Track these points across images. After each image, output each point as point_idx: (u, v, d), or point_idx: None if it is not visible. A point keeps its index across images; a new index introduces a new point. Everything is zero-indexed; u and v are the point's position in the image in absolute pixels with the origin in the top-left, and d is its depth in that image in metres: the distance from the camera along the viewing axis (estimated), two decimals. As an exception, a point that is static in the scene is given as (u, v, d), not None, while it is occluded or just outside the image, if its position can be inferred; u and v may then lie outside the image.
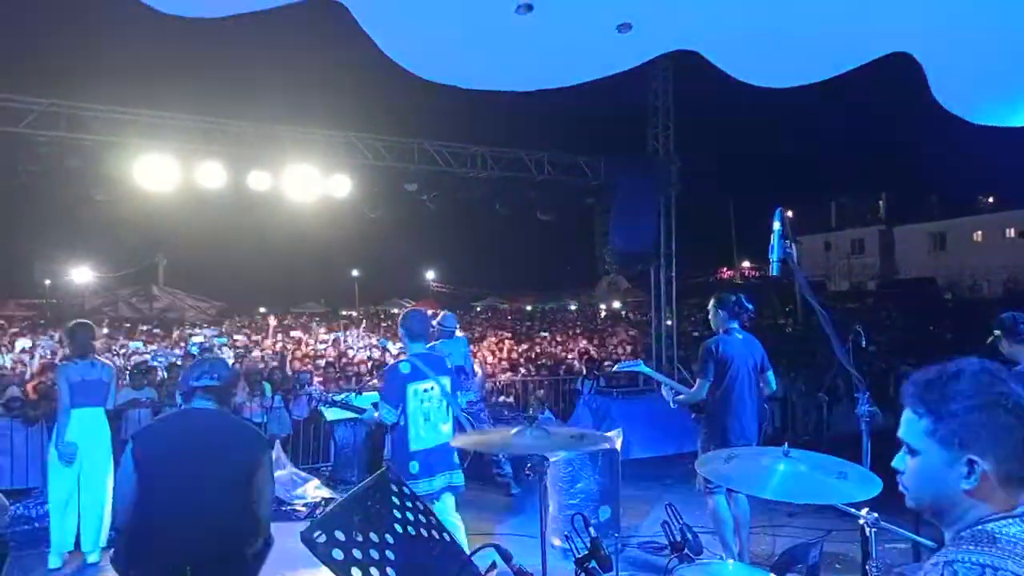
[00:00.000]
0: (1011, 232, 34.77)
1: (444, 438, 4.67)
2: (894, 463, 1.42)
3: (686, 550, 3.06)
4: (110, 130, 9.05)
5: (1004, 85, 4.32)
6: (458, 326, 7.58)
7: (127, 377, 8.91)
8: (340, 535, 1.57)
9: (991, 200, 39.49)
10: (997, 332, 4.58)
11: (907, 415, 1.39)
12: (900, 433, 1.40)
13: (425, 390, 4.66)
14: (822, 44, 4.15)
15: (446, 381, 4.77)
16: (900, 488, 1.42)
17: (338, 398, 5.53)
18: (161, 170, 9.08)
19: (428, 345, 5.23)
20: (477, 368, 8.67)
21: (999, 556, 1.21)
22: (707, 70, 4.41)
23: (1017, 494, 1.30)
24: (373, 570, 1.56)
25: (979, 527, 1.28)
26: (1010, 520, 1.27)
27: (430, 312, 6.88)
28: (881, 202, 42.58)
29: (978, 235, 38.27)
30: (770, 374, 5.32)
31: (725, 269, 41.50)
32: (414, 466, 4.56)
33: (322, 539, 1.54)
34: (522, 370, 13.33)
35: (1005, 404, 1.29)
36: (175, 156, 9.15)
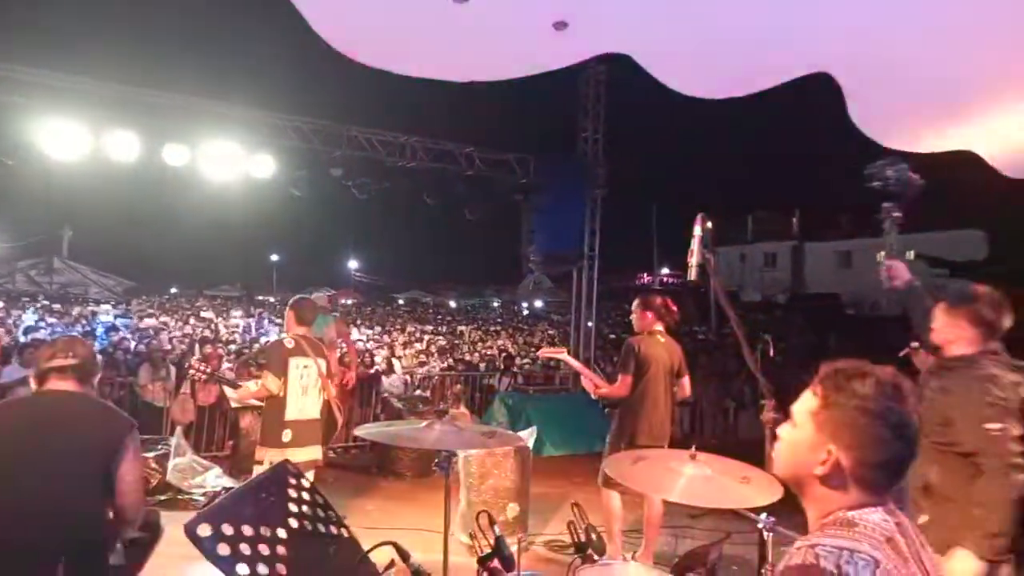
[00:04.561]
0: (911, 255, 36.72)
1: (315, 414, 5.05)
2: (779, 430, 1.51)
3: (590, 550, 3.06)
4: (13, 90, 8.48)
5: (915, 111, 4.52)
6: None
7: (17, 354, 8.38)
8: (228, 529, 1.48)
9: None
10: (915, 344, 4.60)
11: (807, 392, 1.45)
12: (794, 405, 1.47)
13: (305, 366, 5.01)
14: (749, 59, 4.24)
15: (323, 363, 5.12)
16: (772, 453, 1.50)
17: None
18: (69, 137, 8.57)
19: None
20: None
21: (856, 540, 1.29)
22: (639, 78, 4.44)
23: (876, 496, 1.37)
24: (261, 566, 1.47)
25: (840, 514, 1.36)
26: (869, 509, 1.36)
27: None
28: (795, 219, 44.22)
29: (881, 255, 40.18)
30: (686, 380, 5.41)
31: (644, 274, 42.34)
32: (287, 435, 4.84)
33: (207, 532, 1.45)
34: (440, 364, 13.26)
35: (889, 419, 1.35)
36: (85, 123, 8.65)
